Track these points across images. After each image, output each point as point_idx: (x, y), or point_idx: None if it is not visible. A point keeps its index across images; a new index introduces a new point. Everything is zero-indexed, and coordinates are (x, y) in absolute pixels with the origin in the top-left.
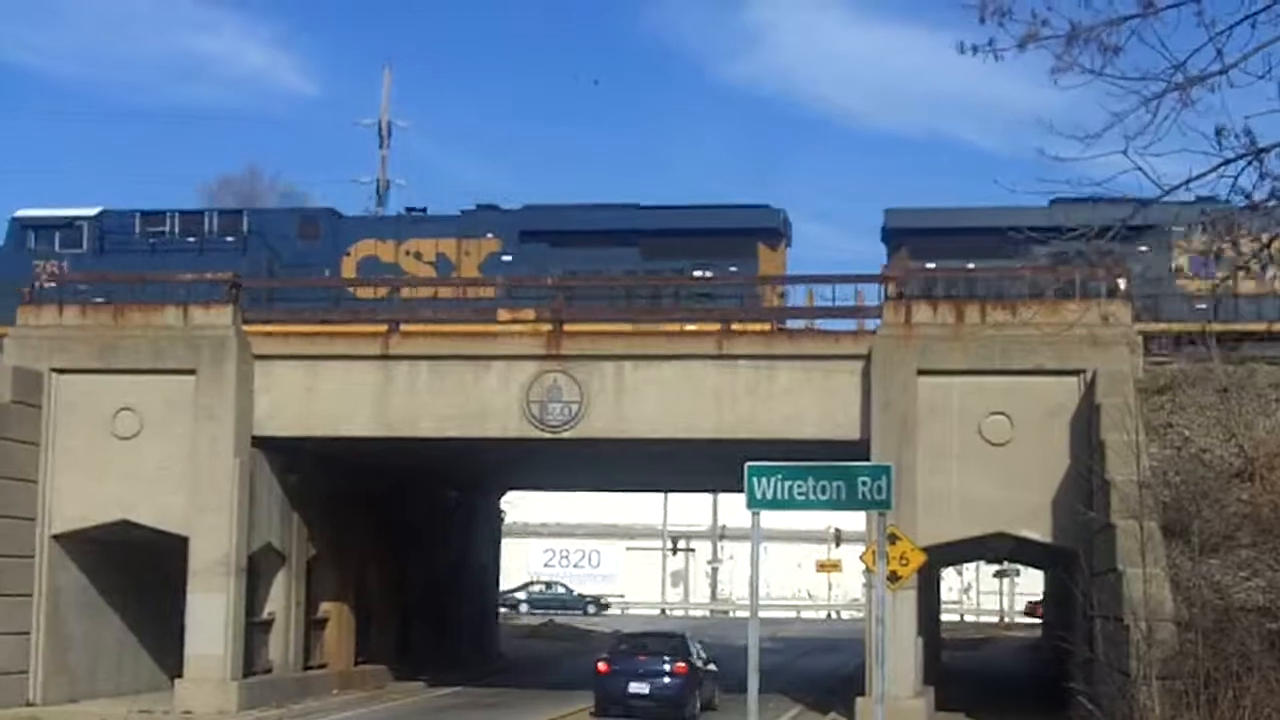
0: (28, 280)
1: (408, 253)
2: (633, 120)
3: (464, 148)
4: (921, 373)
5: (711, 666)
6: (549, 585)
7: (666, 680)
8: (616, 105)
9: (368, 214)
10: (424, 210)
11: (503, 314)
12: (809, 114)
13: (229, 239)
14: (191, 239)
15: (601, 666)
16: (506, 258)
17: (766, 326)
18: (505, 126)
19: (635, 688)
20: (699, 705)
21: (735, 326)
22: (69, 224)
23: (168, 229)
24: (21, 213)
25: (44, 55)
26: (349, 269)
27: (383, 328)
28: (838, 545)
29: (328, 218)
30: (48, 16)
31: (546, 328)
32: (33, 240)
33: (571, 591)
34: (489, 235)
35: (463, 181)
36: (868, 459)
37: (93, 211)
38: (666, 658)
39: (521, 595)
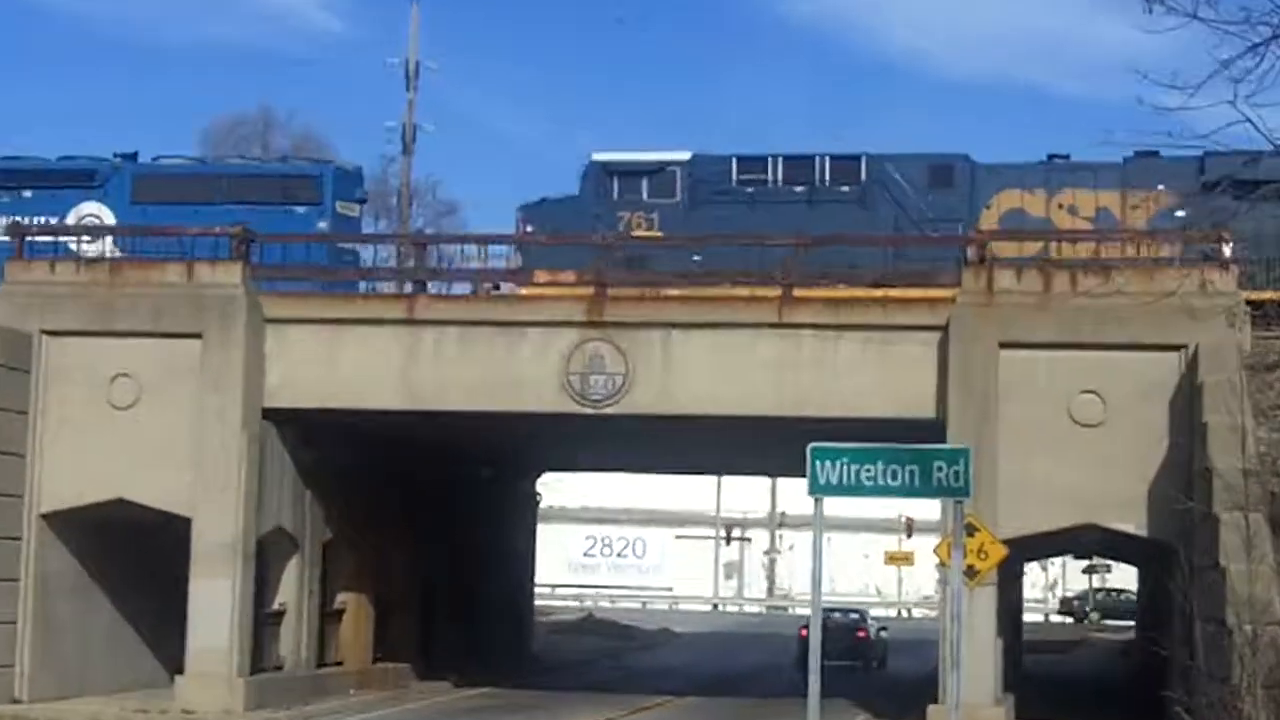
0: (611, 226)
1: (1060, 205)
2: (681, 65)
3: (499, 94)
4: (1004, 345)
5: (884, 634)
6: None
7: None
8: (664, 49)
9: (1008, 165)
10: (1066, 157)
11: (540, 274)
12: (878, 58)
13: (843, 188)
14: (799, 188)
15: (803, 632)
16: (1180, 213)
17: (833, 292)
18: (543, 73)
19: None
20: (873, 664)
21: (798, 292)
22: (659, 169)
23: (769, 177)
24: (601, 155)
25: None
26: (989, 223)
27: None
28: (909, 536)
29: (963, 164)
30: None
31: (588, 290)
32: (616, 188)
33: None
34: (1159, 187)
35: (497, 130)
36: (943, 441)
37: (684, 155)
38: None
39: None
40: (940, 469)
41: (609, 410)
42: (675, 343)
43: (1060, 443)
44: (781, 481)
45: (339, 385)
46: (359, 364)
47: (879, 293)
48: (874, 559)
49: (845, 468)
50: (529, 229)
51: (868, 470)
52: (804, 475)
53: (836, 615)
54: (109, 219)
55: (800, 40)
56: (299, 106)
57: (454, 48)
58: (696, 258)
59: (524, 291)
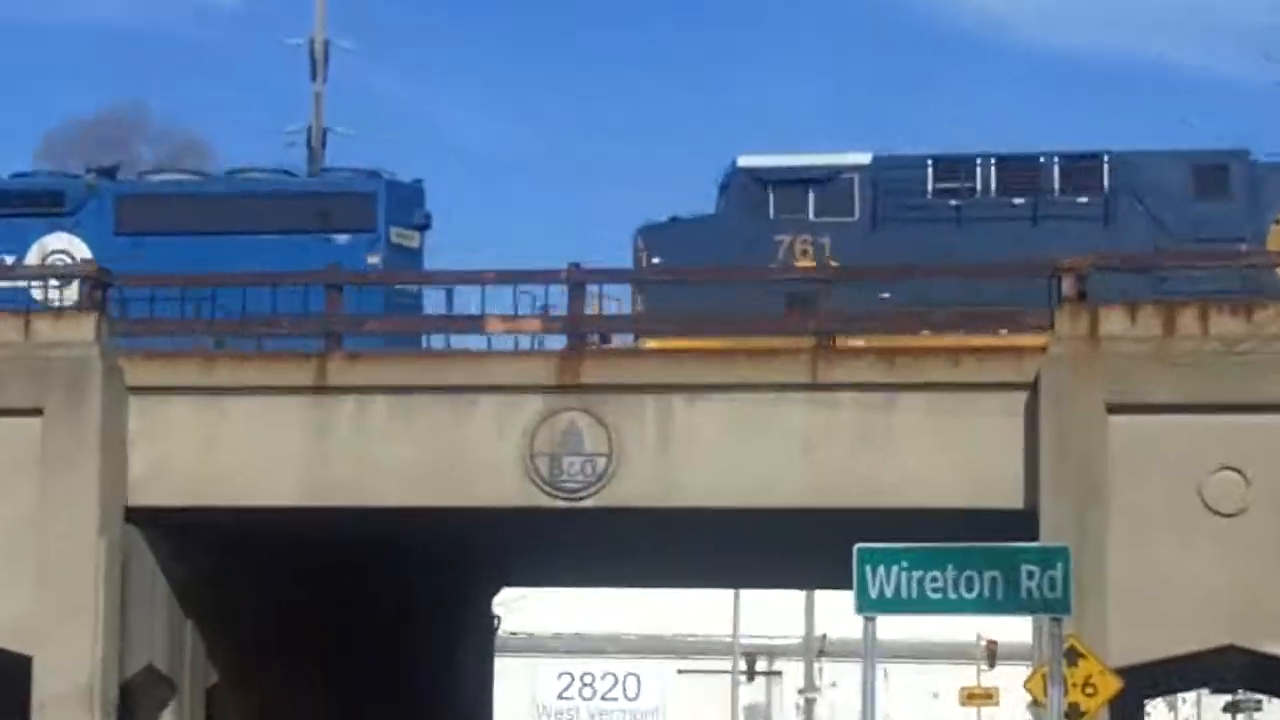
0: (766, 255)
1: None
2: (688, 40)
3: (438, 81)
4: (1113, 409)
5: None
6: None
7: None
8: (664, 20)
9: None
10: None
11: (494, 321)
12: (953, 26)
13: (1081, 199)
14: (1019, 200)
15: None
16: None
17: (879, 341)
18: (500, 57)
19: None
20: None
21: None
22: (829, 177)
23: (978, 185)
24: (750, 160)
25: None
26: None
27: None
28: (992, 666)
29: (1241, 164)
30: None
31: (558, 346)
32: (772, 202)
33: None
34: None
35: (440, 130)
36: (1034, 537)
37: (863, 158)
38: None
39: None
40: (1031, 575)
41: (587, 503)
42: (677, 412)
43: (1191, 537)
44: (820, 597)
45: (227, 475)
46: (254, 446)
47: (947, 341)
48: (945, 698)
49: (904, 576)
50: (654, 259)
51: (934, 579)
52: (850, 587)
53: None
54: (84, 256)
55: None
56: (175, 105)
57: (376, 22)
58: (885, 295)
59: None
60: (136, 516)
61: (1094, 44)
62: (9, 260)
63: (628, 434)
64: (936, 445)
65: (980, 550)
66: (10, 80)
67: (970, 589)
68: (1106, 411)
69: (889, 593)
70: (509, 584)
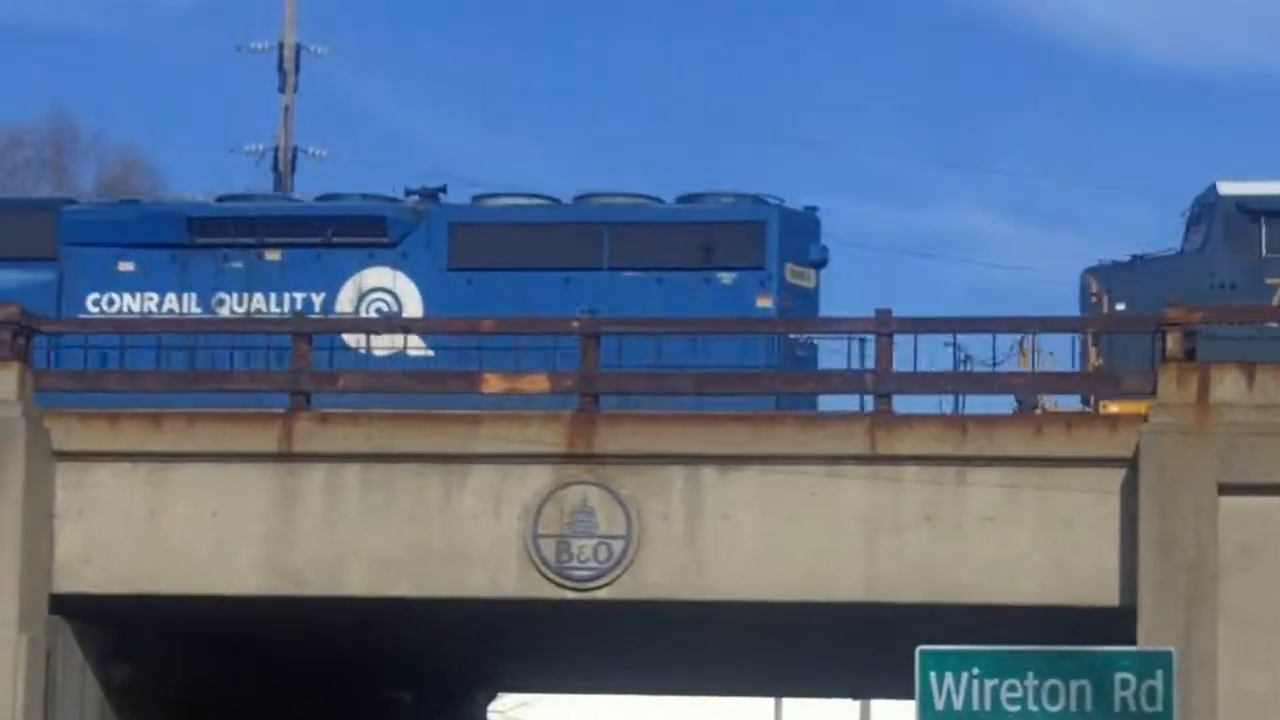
0: (1254, 300)
1: None
2: (692, 50)
3: (424, 93)
4: (1227, 489)
5: None
6: None
7: None
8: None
9: None
10: None
11: (492, 380)
12: (1059, 46)
13: None
14: None
15: None
16: None
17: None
18: (490, 64)
19: None
20: None
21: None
22: None
23: None
24: (1233, 187)
25: None
26: None
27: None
28: None
29: None
30: None
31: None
32: (1264, 237)
33: None
34: None
35: (426, 147)
36: (1131, 640)
37: None
38: None
39: None
40: (1127, 685)
41: (601, 594)
42: (706, 486)
43: None
44: (877, 707)
45: (174, 558)
46: (204, 526)
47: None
48: None
49: (976, 684)
50: (1117, 304)
51: (1012, 688)
52: (911, 697)
53: None
54: (410, 295)
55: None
56: (113, 119)
57: (353, 22)
58: None
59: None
60: (64, 607)
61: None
62: (317, 298)
63: (649, 512)
64: (1014, 530)
65: (1067, 655)
66: None
67: (1055, 700)
68: (1219, 492)
69: (958, 704)
70: (508, 690)
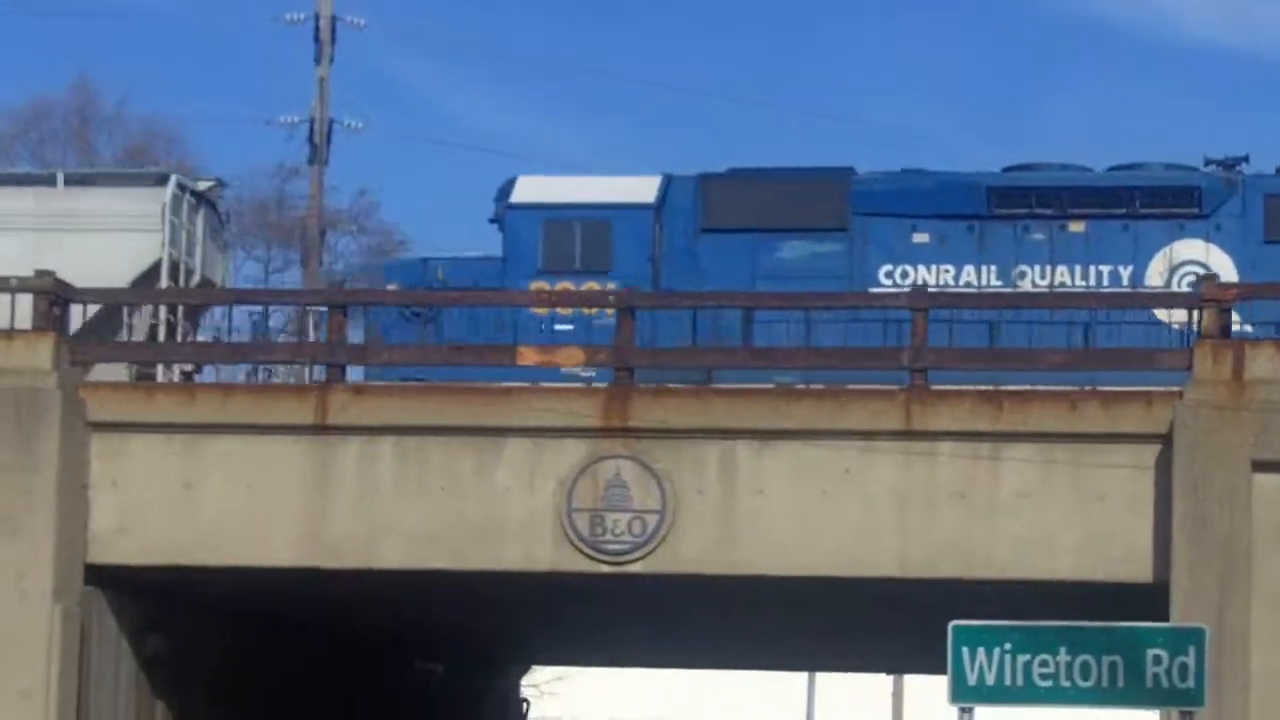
0: None
1: None
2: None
3: (462, 69)
4: (1261, 466)
5: None
6: None
7: None
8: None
9: None
10: None
11: (527, 353)
12: (1096, 19)
13: None
14: None
15: None
16: None
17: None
18: (534, 40)
19: None
20: None
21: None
22: None
23: None
24: None
25: None
26: None
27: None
28: None
29: None
30: None
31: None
32: None
33: None
34: None
35: (462, 122)
36: (1164, 616)
37: None
38: None
39: None
40: (1159, 661)
41: (635, 568)
42: (741, 461)
43: None
44: (910, 682)
45: (209, 530)
46: (239, 498)
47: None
48: None
49: (1008, 660)
50: None
51: (1043, 664)
52: (944, 672)
53: None
54: (1225, 268)
55: None
56: (145, 91)
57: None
58: None
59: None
60: (99, 578)
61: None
62: (1124, 271)
63: (684, 487)
64: (1048, 506)
65: (1099, 631)
66: None
67: (1087, 676)
68: (1252, 469)
69: (990, 679)
70: (541, 663)
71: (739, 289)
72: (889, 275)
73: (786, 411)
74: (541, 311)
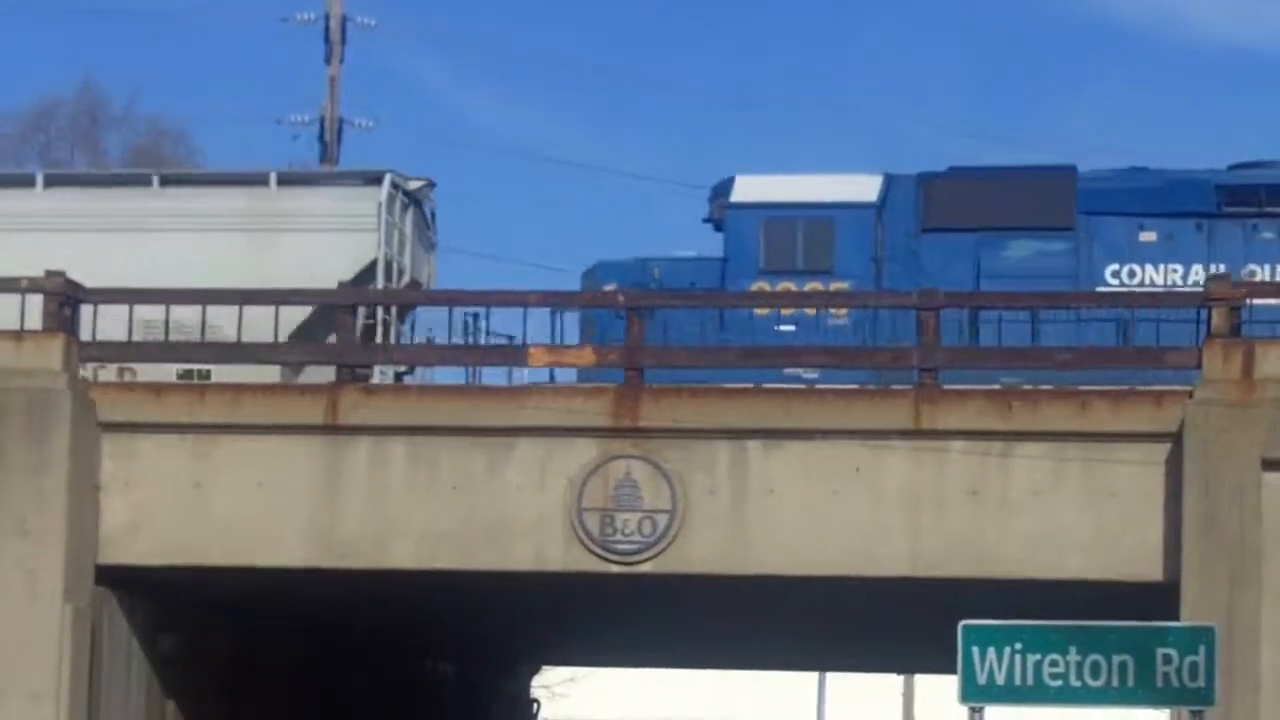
0: None
1: None
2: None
3: (468, 67)
4: (1272, 465)
5: None
6: None
7: None
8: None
9: None
10: None
11: (537, 353)
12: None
13: None
14: None
15: None
16: None
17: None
18: (531, 41)
19: None
20: None
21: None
22: None
23: None
24: None
25: None
26: None
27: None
28: None
29: None
30: None
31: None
32: None
33: None
34: None
35: (474, 123)
36: (1174, 616)
37: None
38: None
39: None
40: (1169, 661)
41: (645, 568)
42: (751, 461)
43: None
44: (920, 682)
45: (219, 531)
46: (250, 496)
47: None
48: None
49: (1018, 659)
50: None
51: (1054, 663)
52: (954, 672)
53: None
54: None
55: None
56: (146, 89)
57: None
58: None
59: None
60: (110, 578)
61: None
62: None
63: (694, 486)
64: (1058, 505)
65: (1109, 630)
66: None
67: (1096, 676)
68: (1263, 468)
69: (1000, 679)
70: (551, 664)
71: (962, 289)
72: (1115, 275)
73: (796, 411)
74: (763, 313)
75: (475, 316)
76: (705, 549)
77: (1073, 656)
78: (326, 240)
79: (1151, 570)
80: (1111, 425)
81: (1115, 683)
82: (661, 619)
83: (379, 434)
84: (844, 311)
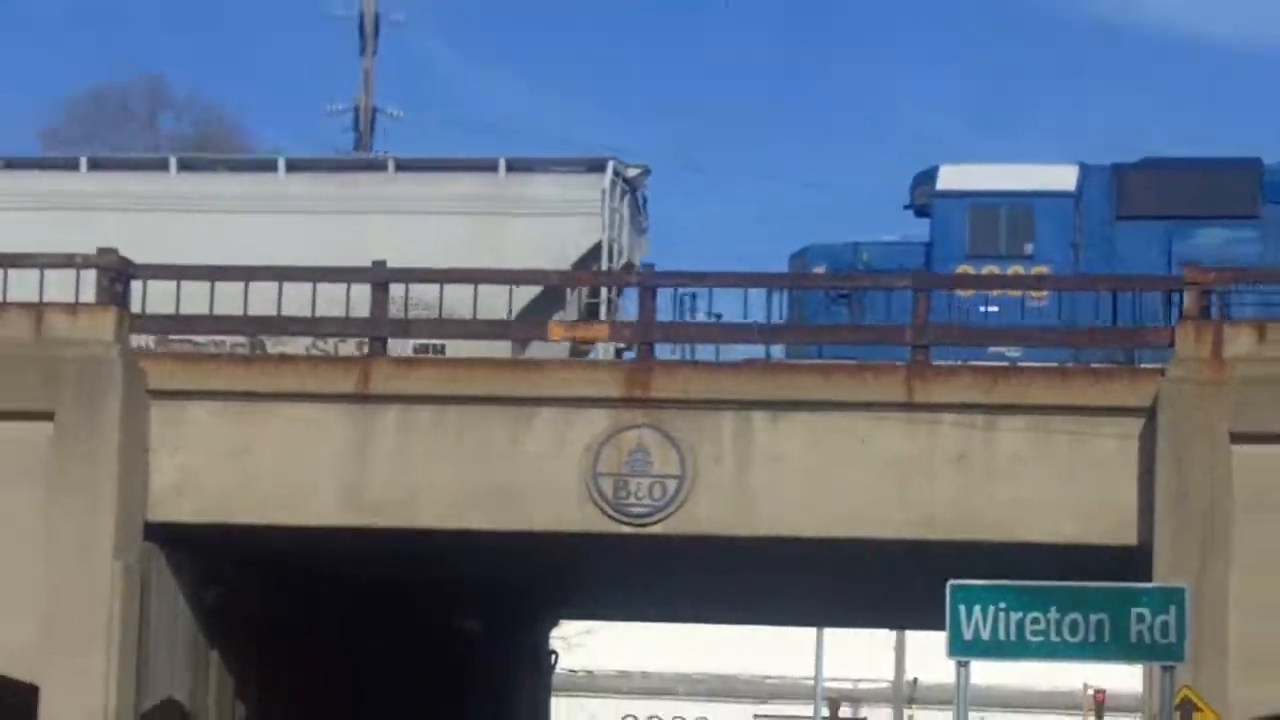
0: None
1: None
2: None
3: (496, 59)
4: (1239, 438)
5: None
6: None
7: None
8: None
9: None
10: None
11: (556, 329)
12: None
13: None
14: None
15: None
16: None
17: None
18: (551, 37)
19: None
20: None
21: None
22: None
23: None
24: None
25: None
26: None
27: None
28: (1099, 718)
29: None
30: None
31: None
32: None
33: None
34: None
35: (494, 109)
36: (1148, 577)
37: None
38: None
39: None
40: (1143, 619)
41: (655, 529)
42: (756, 430)
43: None
44: (911, 637)
45: (260, 491)
46: (288, 460)
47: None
48: None
49: (1002, 617)
50: None
51: (1035, 621)
52: (943, 628)
53: None
54: None
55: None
56: (203, 78)
57: None
58: None
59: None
60: (157, 534)
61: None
62: None
63: (702, 454)
64: (1040, 473)
65: (1087, 590)
66: (15, 49)
67: (1075, 633)
68: (1231, 441)
69: (985, 635)
70: (568, 618)
71: (1156, 274)
72: None
73: (799, 384)
74: (967, 294)
75: (693, 296)
76: (711, 512)
77: (1053, 615)
78: (554, 224)
79: (1127, 535)
80: (1090, 399)
81: (1092, 639)
82: (670, 577)
83: (407, 402)
84: (1044, 294)
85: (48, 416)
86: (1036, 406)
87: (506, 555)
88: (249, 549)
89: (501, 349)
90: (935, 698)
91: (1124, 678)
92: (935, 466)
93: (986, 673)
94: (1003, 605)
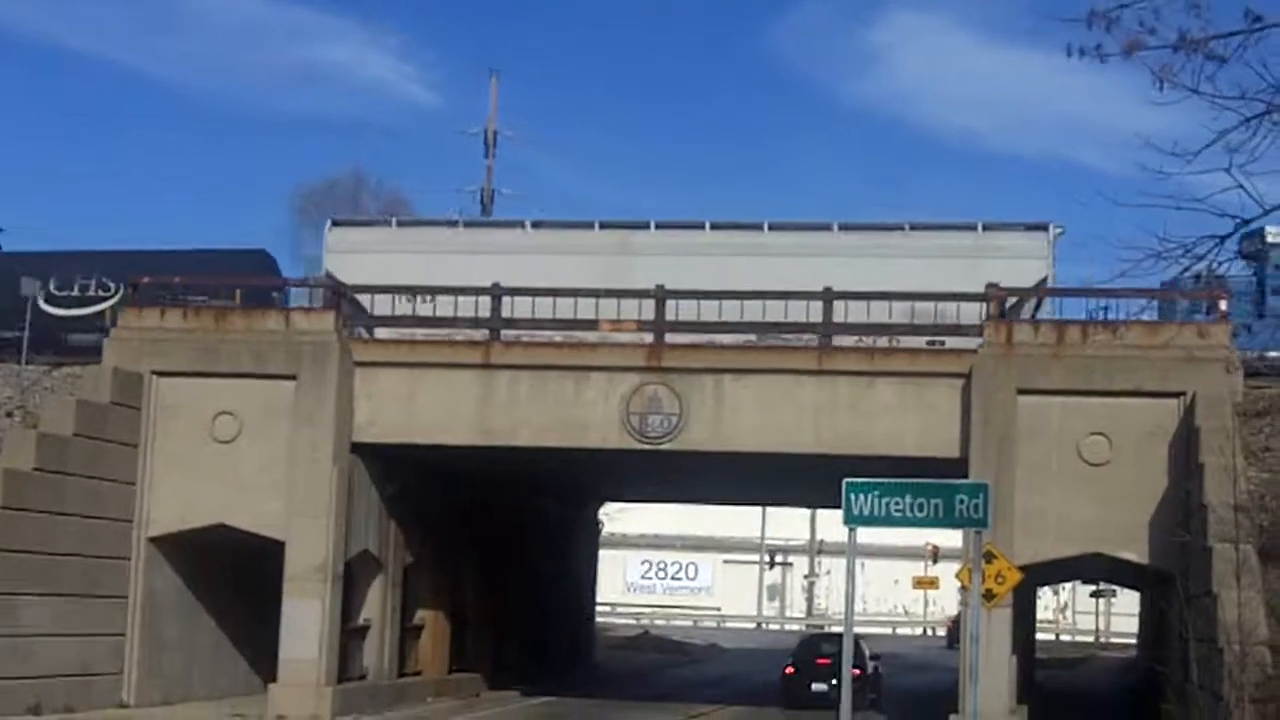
0: None
1: None
2: (745, 136)
3: (570, 158)
4: (1022, 392)
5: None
6: None
7: None
8: (728, 121)
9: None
10: None
11: (604, 325)
12: (930, 135)
13: None
14: None
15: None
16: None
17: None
18: (616, 141)
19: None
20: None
21: (837, 341)
22: None
23: None
24: None
25: (165, 62)
26: None
27: (482, 335)
28: (935, 562)
29: None
30: (172, 23)
31: (648, 339)
32: None
33: None
34: None
35: (569, 192)
36: (965, 477)
37: None
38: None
39: None
40: (962, 502)
41: (665, 447)
42: (726, 387)
43: (1071, 480)
44: (821, 513)
45: (420, 423)
46: (438, 404)
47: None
48: (903, 583)
49: (877, 501)
50: None
51: (897, 503)
52: (840, 507)
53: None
54: None
55: (860, 117)
56: (388, 173)
57: (533, 117)
58: None
59: (591, 338)
60: (358, 450)
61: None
62: None
63: (693, 401)
64: (902, 414)
65: (929, 484)
66: (272, 151)
67: (921, 510)
68: (1017, 393)
69: (866, 511)
70: (609, 500)
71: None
72: None
73: (752, 359)
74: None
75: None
76: (700, 436)
77: (908, 499)
78: (1018, 265)
79: (953, 450)
80: (933, 368)
81: (932, 515)
82: (674, 475)
83: (513, 369)
84: None
85: (293, 378)
86: (899, 372)
87: (572, 462)
88: (414, 459)
89: None
90: (834, 550)
91: (950, 538)
92: (836, 409)
93: (866, 535)
94: (877, 493)
